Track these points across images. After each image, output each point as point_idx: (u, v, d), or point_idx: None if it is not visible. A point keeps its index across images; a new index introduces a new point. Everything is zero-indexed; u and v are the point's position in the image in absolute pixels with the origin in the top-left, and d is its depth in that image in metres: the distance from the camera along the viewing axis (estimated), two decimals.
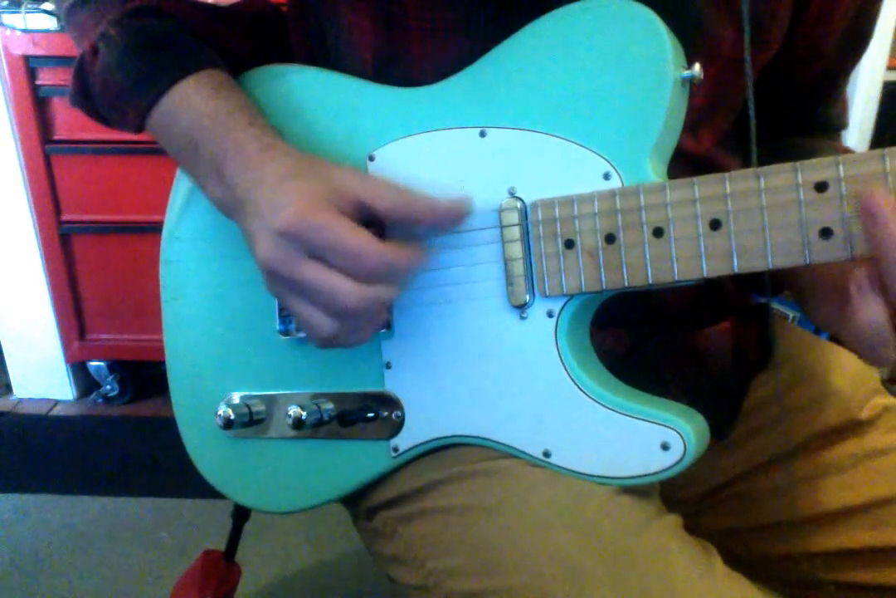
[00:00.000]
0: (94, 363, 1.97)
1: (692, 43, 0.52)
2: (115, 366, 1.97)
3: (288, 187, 0.48)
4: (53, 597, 1.29)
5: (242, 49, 0.64)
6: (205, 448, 0.66)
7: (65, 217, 1.83)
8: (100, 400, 2.01)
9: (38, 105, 1.74)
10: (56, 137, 1.77)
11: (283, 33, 0.66)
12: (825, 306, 0.51)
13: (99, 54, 0.58)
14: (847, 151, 0.70)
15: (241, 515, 0.94)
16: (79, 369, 2.02)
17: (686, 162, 0.53)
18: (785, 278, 0.58)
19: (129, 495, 1.58)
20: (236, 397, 0.62)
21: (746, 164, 0.62)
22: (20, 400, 2.02)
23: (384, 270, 0.47)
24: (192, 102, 0.55)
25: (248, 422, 0.60)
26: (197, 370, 0.66)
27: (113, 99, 0.59)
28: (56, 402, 2.01)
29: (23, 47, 1.68)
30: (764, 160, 0.46)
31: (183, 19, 0.60)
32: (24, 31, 1.67)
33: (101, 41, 0.58)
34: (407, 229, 0.53)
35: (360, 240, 0.46)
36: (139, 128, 0.59)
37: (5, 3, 1.68)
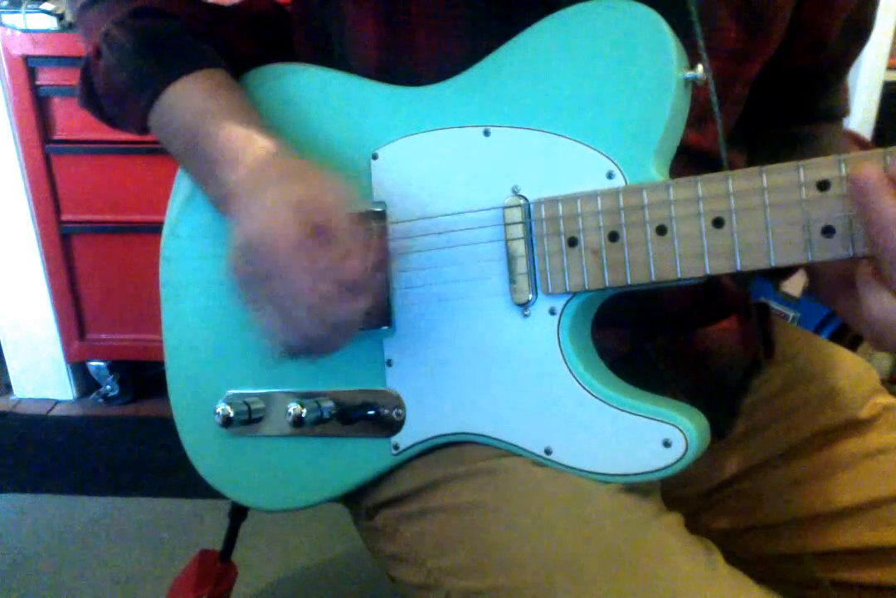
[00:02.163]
0: (94, 363, 1.97)
1: (695, 36, 0.52)
2: (115, 366, 1.97)
3: (262, 197, 0.49)
4: (53, 597, 1.29)
5: (246, 48, 0.64)
6: (203, 447, 0.66)
7: (65, 217, 1.83)
8: (100, 400, 2.01)
9: (38, 105, 1.73)
10: (56, 137, 1.77)
11: (288, 32, 0.66)
12: (839, 296, 0.52)
13: (102, 55, 0.59)
14: (852, 136, 0.71)
15: (237, 514, 0.94)
16: (79, 369, 2.02)
17: (692, 157, 0.53)
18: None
19: (129, 495, 1.58)
20: (235, 395, 0.62)
21: (751, 158, 0.63)
22: (20, 400, 2.02)
23: (321, 311, 0.47)
24: (190, 100, 0.56)
25: (248, 420, 0.60)
26: (196, 368, 0.65)
27: (116, 98, 0.59)
28: (56, 402, 2.01)
29: (23, 47, 1.68)
30: (772, 150, 0.47)
31: (185, 20, 0.60)
32: (24, 31, 1.67)
33: (104, 42, 0.58)
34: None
35: (305, 282, 0.47)
36: (143, 128, 0.59)
37: (5, 3, 1.68)
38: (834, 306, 0.54)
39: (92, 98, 0.61)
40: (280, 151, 0.53)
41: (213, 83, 0.57)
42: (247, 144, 0.53)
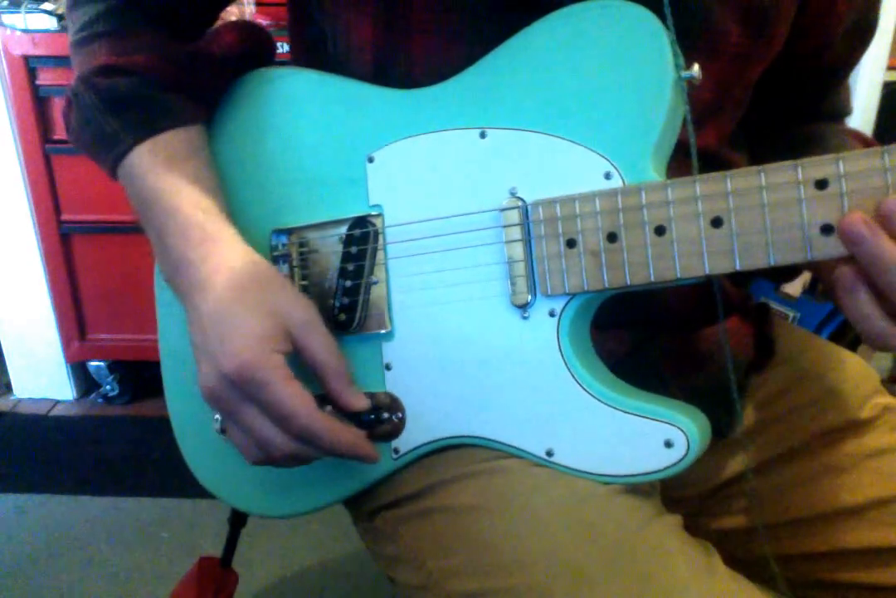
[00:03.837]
0: (94, 363, 1.97)
1: (698, 38, 0.52)
2: (115, 366, 1.97)
3: (237, 324, 0.50)
4: (53, 597, 1.29)
5: (225, 84, 0.63)
6: (202, 454, 0.65)
7: (65, 217, 1.83)
8: (100, 400, 2.01)
9: (38, 105, 1.74)
10: (56, 137, 1.77)
11: (269, 54, 0.66)
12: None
13: (72, 108, 0.59)
14: (857, 135, 0.71)
15: (237, 521, 0.94)
16: (79, 369, 2.02)
17: (690, 157, 0.53)
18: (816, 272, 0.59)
19: (128, 495, 1.58)
20: None
21: (753, 159, 0.62)
22: (20, 400, 2.02)
23: (308, 435, 0.50)
24: (144, 174, 0.56)
25: None
26: (192, 375, 0.65)
27: (86, 151, 0.61)
28: (56, 402, 2.01)
29: (23, 47, 1.68)
30: (774, 151, 0.47)
31: (149, 75, 0.58)
32: (24, 31, 1.67)
33: (73, 96, 0.59)
34: None
35: (296, 404, 0.49)
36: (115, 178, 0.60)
37: (5, 3, 1.68)
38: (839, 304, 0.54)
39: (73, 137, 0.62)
40: (234, 243, 0.54)
41: (169, 153, 0.57)
42: (197, 234, 0.54)
